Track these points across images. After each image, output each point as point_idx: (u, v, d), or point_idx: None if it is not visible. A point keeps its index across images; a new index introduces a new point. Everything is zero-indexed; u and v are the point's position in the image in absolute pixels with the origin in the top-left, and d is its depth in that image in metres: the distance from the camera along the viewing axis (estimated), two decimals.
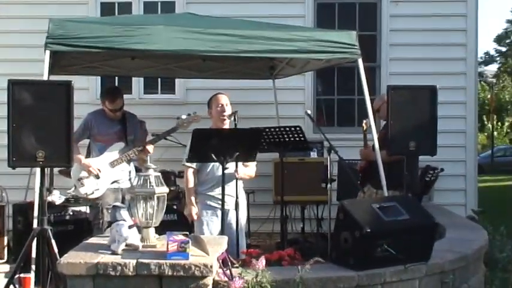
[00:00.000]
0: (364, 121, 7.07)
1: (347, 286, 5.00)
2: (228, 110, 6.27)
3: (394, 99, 6.27)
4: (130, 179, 6.80)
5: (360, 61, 6.60)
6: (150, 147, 6.78)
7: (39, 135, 5.09)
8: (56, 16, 6.56)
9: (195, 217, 6.20)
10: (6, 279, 5.50)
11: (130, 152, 6.75)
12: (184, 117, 6.75)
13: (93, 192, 6.66)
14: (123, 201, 6.41)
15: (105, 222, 6.45)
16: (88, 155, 7.00)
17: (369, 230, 5.09)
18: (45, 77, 5.89)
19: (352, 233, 5.19)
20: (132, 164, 6.96)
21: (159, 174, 4.75)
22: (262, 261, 4.74)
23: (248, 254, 5.26)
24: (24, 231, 7.02)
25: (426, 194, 8.29)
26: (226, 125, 6.30)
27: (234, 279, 4.58)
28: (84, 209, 7.39)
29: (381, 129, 6.89)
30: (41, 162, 5.13)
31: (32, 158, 5.09)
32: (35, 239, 5.22)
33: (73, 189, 6.86)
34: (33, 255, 5.42)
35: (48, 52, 5.92)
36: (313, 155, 8.67)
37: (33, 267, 5.48)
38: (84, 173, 6.66)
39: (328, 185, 7.16)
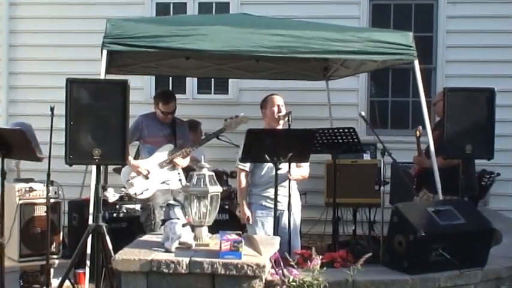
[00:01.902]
0: (417, 128, 7.00)
1: None
2: (284, 111, 6.28)
3: (450, 101, 6.16)
4: (180, 180, 6.84)
5: (416, 63, 6.53)
6: (178, 161, 6.80)
7: (96, 133, 5.17)
8: (112, 16, 6.65)
9: (248, 219, 6.21)
10: (62, 274, 5.61)
11: (179, 153, 6.77)
12: (231, 118, 6.77)
13: (142, 193, 6.70)
14: None
15: (157, 222, 6.48)
16: (137, 157, 7.05)
17: (423, 234, 5.04)
18: (101, 76, 5.97)
19: (406, 236, 5.14)
20: None
21: (213, 173, 4.77)
22: (317, 259, 4.74)
23: (301, 255, 5.24)
24: (79, 227, 7.12)
25: (482, 199, 8.16)
26: (281, 125, 6.31)
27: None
28: (138, 207, 7.45)
29: (433, 128, 6.78)
30: (96, 160, 5.20)
31: (88, 156, 5.17)
32: (90, 235, 5.30)
33: (126, 190, 6.94)
34: (88, 251, 5.50)
35: (105, 52, 6.01)
36: (366, 157, 8.59)
37: (88, 263, 5.57)
38: (133, 174, 6.71)
39: (381, 188, 7.08)
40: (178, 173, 6.89)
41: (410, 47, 6.49)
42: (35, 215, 6.87)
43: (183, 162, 6.85)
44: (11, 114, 9.70)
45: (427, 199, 6.70)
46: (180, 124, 7.05)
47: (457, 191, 6.20)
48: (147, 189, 6.70)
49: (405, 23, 9.38)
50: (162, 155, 6.81)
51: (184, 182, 6.70)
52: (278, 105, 6.31)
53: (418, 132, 6.95)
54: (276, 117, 6.27)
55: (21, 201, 6.78)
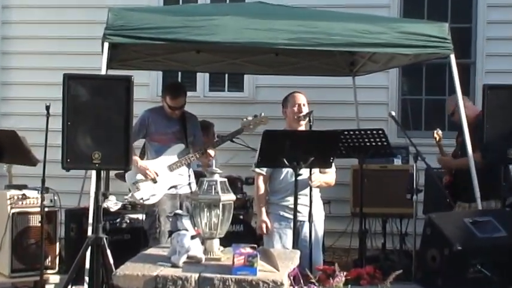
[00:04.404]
0: (435, 131, 7.00)
1: None
2: (305, 111, 6.28)
3: (491, 100, 6.14)
4: (190, 184, 6.85)
5: (453, 57, 6.52)
6: (211, 151, 6.80)
7: (96, 134, 5.17)
8: (115, 5, 6.68)
9: (265, 231, 6.23)
10: None
11: (191, 154, 6.77)
12: (250, 118, 6.76)
13: (149, 198, 6.69)
14: (180, 208, 6.46)
15: (162, 231, 6.49)
16: (142, 157, 7.05)
17: (460, 248, 5.02)
18: (103, 72, 6.01)
19: (440, 251, 5.12)
20: (191, 168, 7.00)
21: (225, 179, 4.76)
22: (341, 276, 4.72)
23: (323, 271, 5.23)
24: (77, 239, 7.14)
25: None
26: (302, 126, 6.31)
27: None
28: (142, 216, 7.46)
29: (457, 134, 6.78)
30: (97, 165, 5.20)
31: (88, 160, 5.17)
32: (89, 248, 5.31)
33: (130, 194, 6.94)
34: (87, 265, 5.52)
35: (106, 44, 6.04)
36: (397, 162, 8.55)
37: (87, 279, 5.58)
38: (140, 176, 6.71)
39: (414, 197, 7.06)
40: (189, 176, 6.89)
41: (446, 39, 6.48)
42: (29, 225, 6.93)
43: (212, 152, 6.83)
44: (2, 113, 9.77)
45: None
46: (190, 119, 7.04)
47: (487, 195, 6.22)
48: (155, 194, 6.70)
49: (440, 12, 9.35)
50: (172, 156, 6.80)
51: (194, 186, 6.72)
52: (299, 105, 6.32)
53: (436, 136, 6.97)
54: (295, 117, 6.27)
55: (13, 210, 6.83)
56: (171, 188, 6.76)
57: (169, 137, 6.85)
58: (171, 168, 6.76)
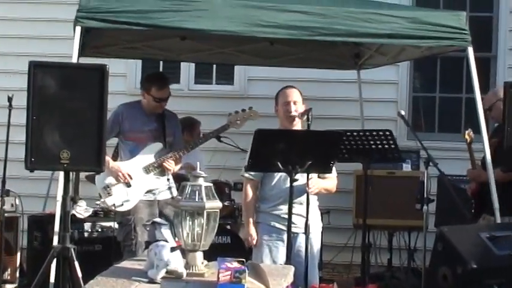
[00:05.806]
0: (467, 131, 6.97)
1: None
2: (300, 108, 6.25)
3: None
4: (170, 188, 6.86)
5: (470, 50, 6.55)
6: (169, 164, 6.82)
7: (65, 131, 5.13)
8: None
9: (253, 242, 6.23)
10: None
11: (170, 155, 6.77)
12: (237, 112, 6.76)
13: (122, 204, 6.67)
14: (160, 217, 6.45)
15: (139, 242, 6.48)
16: (116, 158, 7.05)
17: (475, 266, 5.03)
18: (74, 60, 5.99)
19: (453, 269, 5.14)
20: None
21: (211, 184, 4.77)
22: None
23: None
24: (41, 249, 7.14)
25: None
26: (296, 126, 6.29)
27: None
28: (114, 224, 7.45)
29: (490, 135, 6.77)
30: (65, 165, 5.17)
31: (55, 159, 5.14)
32: (55, 259, 5.31)
33: (101, 200, 6.92)
34: (52, 279, 5.52)
35: (78, 29, 6.04)
36: (406, 167, 8.58)
37: None
38: (111, 179, 6.72)
39: (424, 207, 7.07)
40: (168, 179, 6.89)
41: (463, 30, 6.52)
42: None
43: (176, 166, 6.85)
44: None
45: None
46: (170, 117, 7.06)
47: None
48: (128, 200, 6.69)
49: (458, 0, 9.37)
50: (148, 156, 6.81)
51: (175, 191, 6.73)
52: (288, 102, 6.24)
53: (467, 137, 6.93)
54: (286, 116, 6.24)
55: None
56: (147, 192, 6.76)
57: (146, 136, 6.85)
58: (147, 170, 6.75)
